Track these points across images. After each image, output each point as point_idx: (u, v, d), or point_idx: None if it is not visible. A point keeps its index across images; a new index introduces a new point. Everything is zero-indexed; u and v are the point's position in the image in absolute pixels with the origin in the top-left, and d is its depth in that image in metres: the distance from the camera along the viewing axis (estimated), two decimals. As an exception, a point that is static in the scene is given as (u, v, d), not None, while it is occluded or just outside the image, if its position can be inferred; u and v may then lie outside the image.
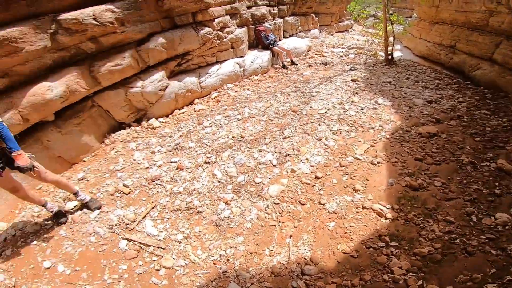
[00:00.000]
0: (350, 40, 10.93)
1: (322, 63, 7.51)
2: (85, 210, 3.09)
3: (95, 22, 3.97)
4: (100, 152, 4.43)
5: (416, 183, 3.11)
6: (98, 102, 4.54)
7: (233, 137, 4.04)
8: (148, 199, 3.17)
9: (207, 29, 5.33)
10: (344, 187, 3.15)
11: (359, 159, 3.51)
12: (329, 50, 8.87)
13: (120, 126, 4.89)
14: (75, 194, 3.06)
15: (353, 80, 5.95)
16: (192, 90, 5.47)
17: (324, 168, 3.41)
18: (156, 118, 5.07)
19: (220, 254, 2.57)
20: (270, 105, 4.93)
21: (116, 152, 4.25)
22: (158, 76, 4.97)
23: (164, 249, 2.64)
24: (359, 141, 3.86)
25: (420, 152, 3.66)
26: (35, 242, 2.74)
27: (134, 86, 4.73)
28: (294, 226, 2.76)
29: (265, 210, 2.93)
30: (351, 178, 3.26)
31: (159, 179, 3.42)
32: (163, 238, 2.73)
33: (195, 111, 5.29)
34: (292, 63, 7.45)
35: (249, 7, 6.72)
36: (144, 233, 2.79)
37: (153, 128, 4.82)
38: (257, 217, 2.87)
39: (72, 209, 3.12)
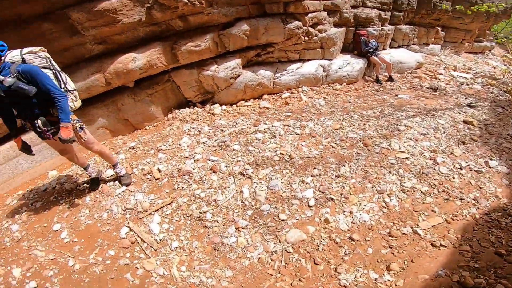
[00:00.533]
0: (482, 65, 8.52)
1: (431, 88, 6.04)
2: (116, 182, 3.25)
3: (186, 0, 3.97)
4: (161, 124, 4.65)
5: (472, 281, 2.19)
6: (173, 78, 4.71)
7: (281, 153, 3.59)
8: (170, 193, 3.11)
9: (296, 23, 4.80)
10: (377, 262, 2.41)
11: (418, 234, 2.62)
12: (446, 73, 7.09)
13: (187, 103, 5.01)
14: (114, 165, 3.21)
15: (466, 122, 4.55)
16: (264, 84, 5.15)
17: (366, 231, 2.67)
18: (220, 105, 5.00)
19: (201, 280, 2.32)
20: (340, 126, 4.20)
21: (171, 129, 4.37)
22: (234, 63, 4.82)
23: (155, 250, 2.55)
24: (433, 211, 2.89)
25: (508, 246, 2.53)
26: (62, 201, 3.01)
27: (208, 69, 4.71)
28: (291, 285, 2.27)
29: (271, 254, 2.49)
30: (392, 253, 2.47)
31: (189, 174, 3.31)
32: (160, 240, 2.64)
33: (259, 108, 4.98)
34: (390, 79, 6.23)
35: (354, 7, 5.77)
36: (147, 227, 2.74)
37: (213, 114, 4.77)
38: (259, 258, 2.47)
39: (108, 177, 3.33)
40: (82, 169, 3.26)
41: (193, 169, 3.40)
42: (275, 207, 2.91)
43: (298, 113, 4.64)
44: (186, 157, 3.62)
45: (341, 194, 3.04)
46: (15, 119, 2.66)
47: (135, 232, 2.67)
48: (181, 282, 2.31)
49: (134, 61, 4.09)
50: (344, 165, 3.42)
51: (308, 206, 2.92)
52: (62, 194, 3.12)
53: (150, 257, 2.48)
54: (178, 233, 2.69)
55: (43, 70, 2.50)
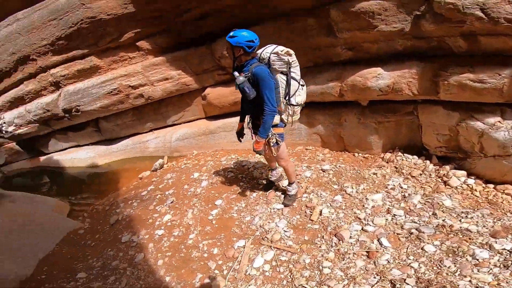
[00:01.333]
0: None
1: None
2: (282, 196, 3.29)
3: (482, 15, 2.67)
4: (371, 159, 4.00)
5: None
6: (419, 113, 3.67)
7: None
8: (305, 242, 2.68)
9: None
10: None
11: None
12: None
13: (420, 151, 3.78)
14: (290, 183, 3.18)
15: None
16: None
17: None
18: (468, 175, 3.28)
19: None
20: None
21: (374, 173, 3.57)
22: (537, 126, 2.81)
23: (235, 278, 2.48)
24: None
25: None
26: (242, 183, 3.46)
27: (481, 119, 3.12)
28: None
29: None
30: None
31: (340, 240, 2.64)
32: (248, 274, 2.49)
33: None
34: None
35: None
36: (255, 256, 2.64)
37: (444, 182, 3.24)
38: None
39: (282, 186, 3.43)
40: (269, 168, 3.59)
41: (350, 237, 2.65)
42: None
43: None
44: (358, 219, 2.86)
45: None
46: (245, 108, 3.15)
47: (243, 251, 2.68)
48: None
49: (377, 78, 3.53)
50: None
51: None
52: (247, 178, 3.66)
53: (225, 279, 2.46)
54: (266, 282, 2.38)
55: (279, 75, 2.61)
